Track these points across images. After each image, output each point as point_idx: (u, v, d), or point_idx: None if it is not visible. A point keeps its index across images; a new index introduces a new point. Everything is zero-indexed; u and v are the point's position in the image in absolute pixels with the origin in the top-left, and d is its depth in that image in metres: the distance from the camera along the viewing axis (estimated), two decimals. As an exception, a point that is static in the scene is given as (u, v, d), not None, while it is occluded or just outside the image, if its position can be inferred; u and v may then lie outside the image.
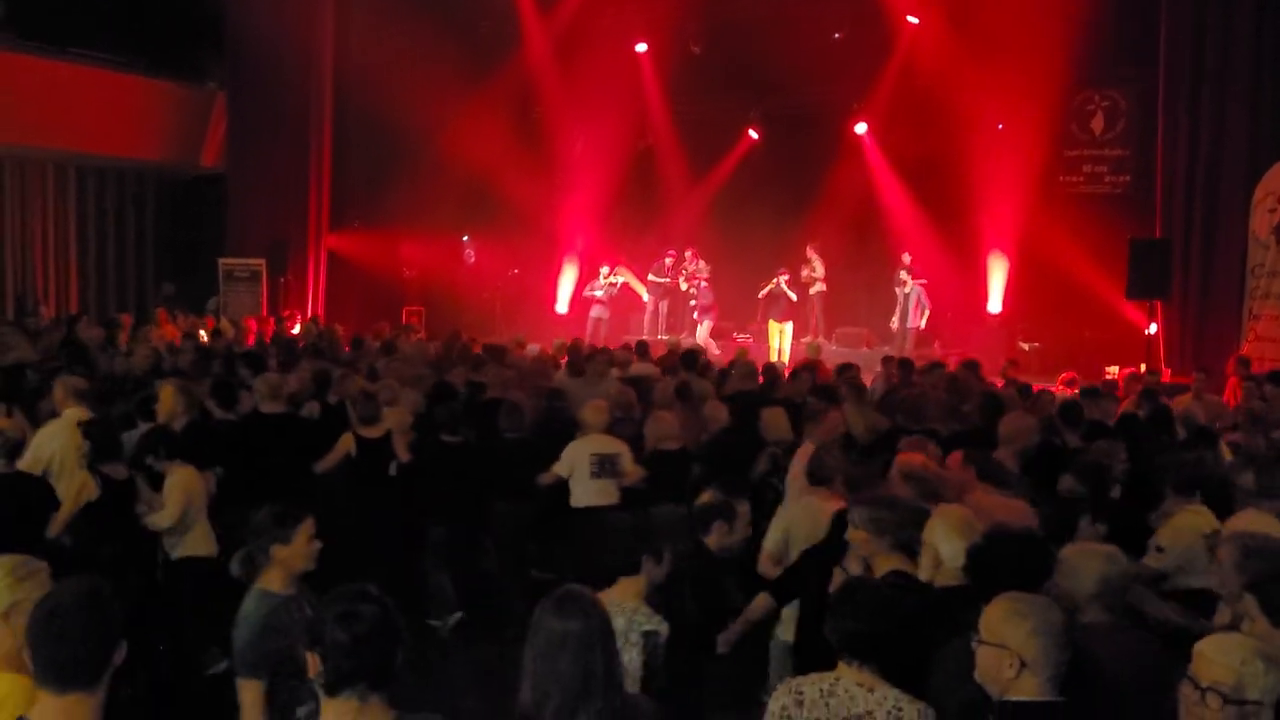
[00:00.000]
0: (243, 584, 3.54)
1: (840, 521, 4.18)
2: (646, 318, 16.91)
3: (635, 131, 17.43)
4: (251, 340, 12.73)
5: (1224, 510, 4.79)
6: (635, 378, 8.72)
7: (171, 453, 5.57)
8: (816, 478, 5.06)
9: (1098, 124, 14.74)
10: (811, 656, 3.13)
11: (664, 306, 16.83)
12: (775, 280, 15.33)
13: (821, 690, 2.92)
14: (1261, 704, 2.37)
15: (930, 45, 14.58)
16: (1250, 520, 4.23)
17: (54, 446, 5.62)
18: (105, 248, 18.78)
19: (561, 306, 18.24)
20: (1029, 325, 14.91)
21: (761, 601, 4.47)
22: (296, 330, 14.53)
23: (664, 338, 15.39)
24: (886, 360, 10.34)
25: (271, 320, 15.35)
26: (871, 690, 2.88)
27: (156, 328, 13.09)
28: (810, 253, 15.71)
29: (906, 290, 15.00)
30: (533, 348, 12.19)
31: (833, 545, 4.22)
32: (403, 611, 2.43)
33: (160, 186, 19.51)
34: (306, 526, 3.50)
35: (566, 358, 10.14)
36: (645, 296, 17.11)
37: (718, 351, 14.48)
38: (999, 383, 9.31)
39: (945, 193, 14.74)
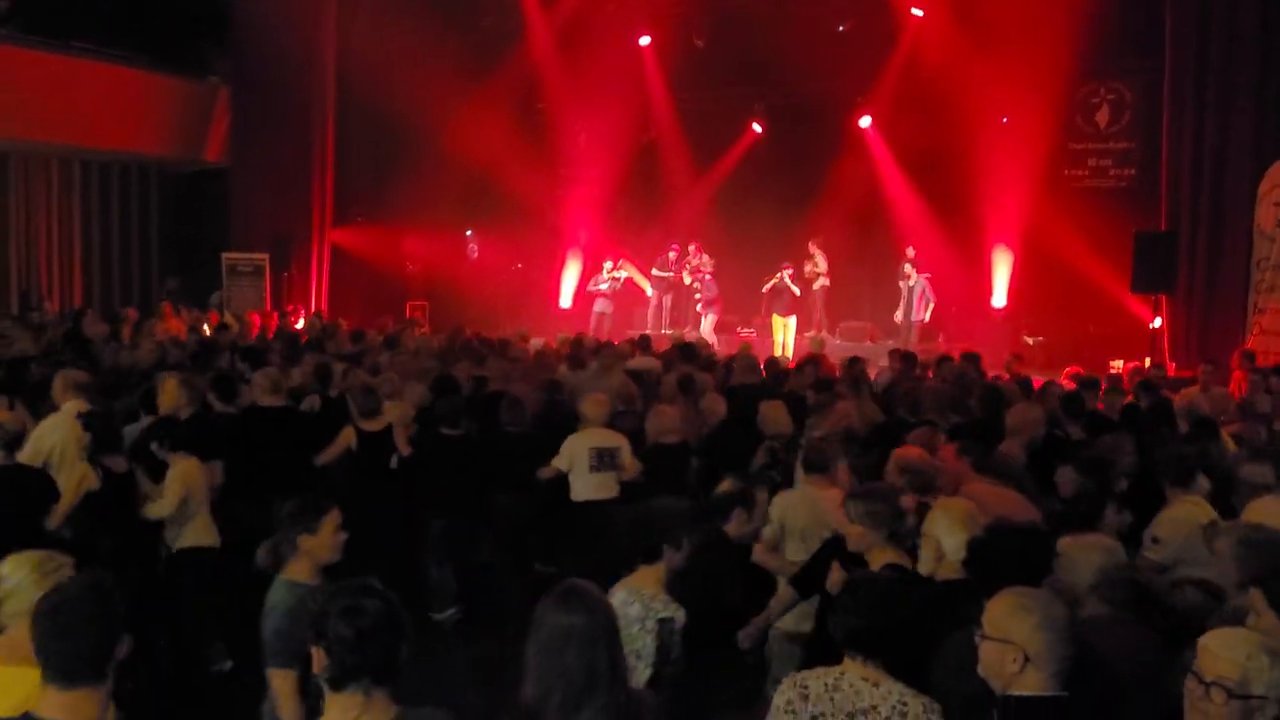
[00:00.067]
0: (243, 576, 3.54)
1: None
2: (650, 312, 16.91)
3: (639, 125, 17.39)
4: (255, 335, 12.75)
5: (1226, 502, 4.78)
6: (636, 371, 8.72)
7: (175, 444, 5.60)
8: (813, 466, 5.05)
9: (1103, 117, 14.70)
10: (830, 648, 3.11)
11: (668, 301, 16.83)
12: (779, 275, 15.31)
13: (826, 684, 2.92)
14: (1266, 699, 2.35)
15: (935, 38, 14.54)
16: (1267, 508, 4.18)
17: (54, 439, 5.63)
18: (109, 242, 18.80)
19: (565, 301, 18.24)
20: (1033, 319, 14.89)
21: (785, 594, 4.46)
22: (300, 325, 14.54)
23: (668, 332, 15.37)
24: (893, 354, 10.34)
25: (275, 315, 15.36)
26: (877, 685, 2.88)
27: (161, 321, 13.11)
28: (813, 248, 15.69)
29: (911, 284, 14.99)
30: (536, 342, 12.19)
31: None
32: (404, 605, 2.43)
33: (164, 181, 19.52)
34: (333, 517, 3.53)
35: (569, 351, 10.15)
36: (649, 291, 17.11)
37: (719, 345, 14.46)
38: (1004, 376, 9.31)
39: (949, 186, 14.70)
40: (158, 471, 5.61)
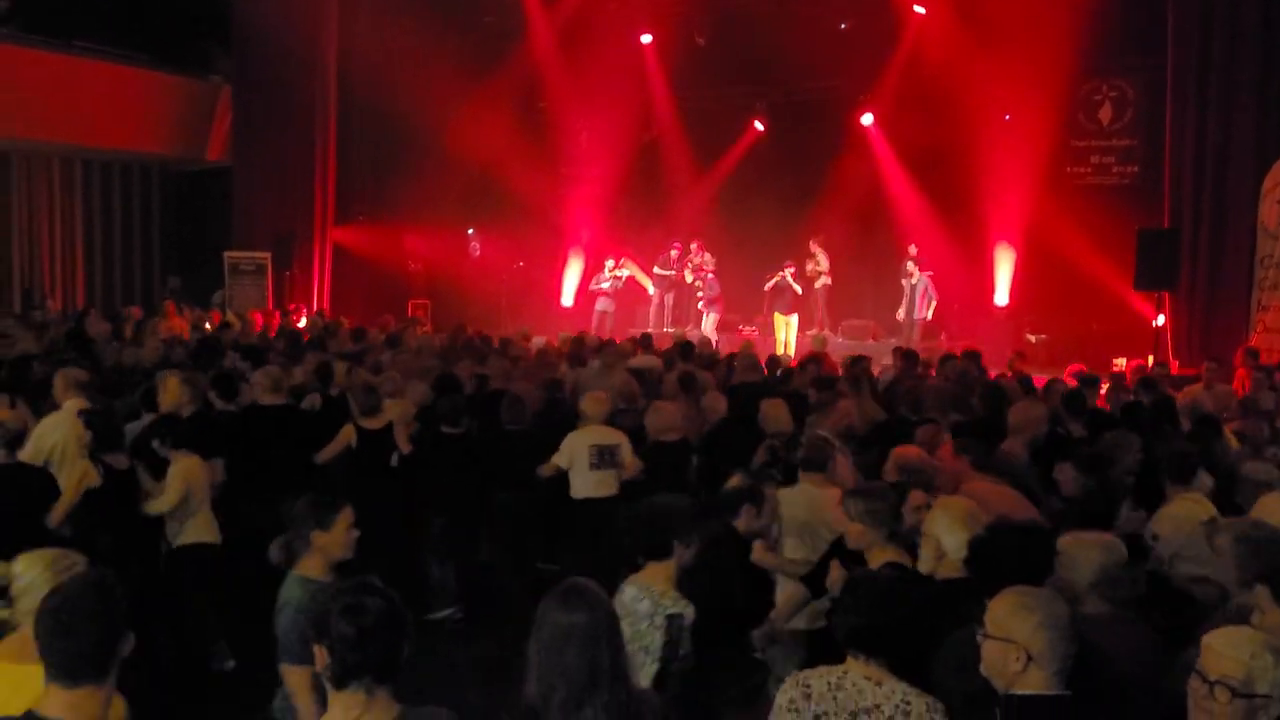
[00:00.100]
0: (245, 573, 3.55)
1: None
2: (652, 310, 16.90)
3: (640, 123, 17.38)
4: (257, 334, 12.76)
5: (1229, 499, 4.77)
6: (638, 369, 8.72)
7: (178, 442, 5.62)
8: (810, 464, 5.05)
9: (1105, 114, 14.67)
10: (832, 646, 3.11)
11: (669, 299, 16.82)
12: (781, 273, 15.30)
13: (829, 683, 2.91)
14: (1270, 698, 2.35)
15: (936, 35, 14.51)
16: (1276, 505, 4.16)
17: (55, 437, 5.65)
18: (111, 241, 18.83)
19: (567, 299, 18.23)
20: (1036, 317, 14.86)
21: (797, 593, 4.45)
22: (302, 324, 14.55)
23: (669, 330, 15.37)
24: (896, 352, 10.33)
25: (277, 314, 15.37)
26: (879, 684, 2.87)
27: (165, 320, 13.13)
28: (814, 247, 15.67)
29: (913, 282, 14.97)
30: (538, 340, 12.19)
31: None
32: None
33: (166, 180, 19.56)
34: (346, 514, 3.54)
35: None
36: (651, 289, 17.09)
37: (721, 344, 14.45)
38: (1007, 374, 9.29)
39: (952, 184, 14.68)
40: (159, 469, 5.62)
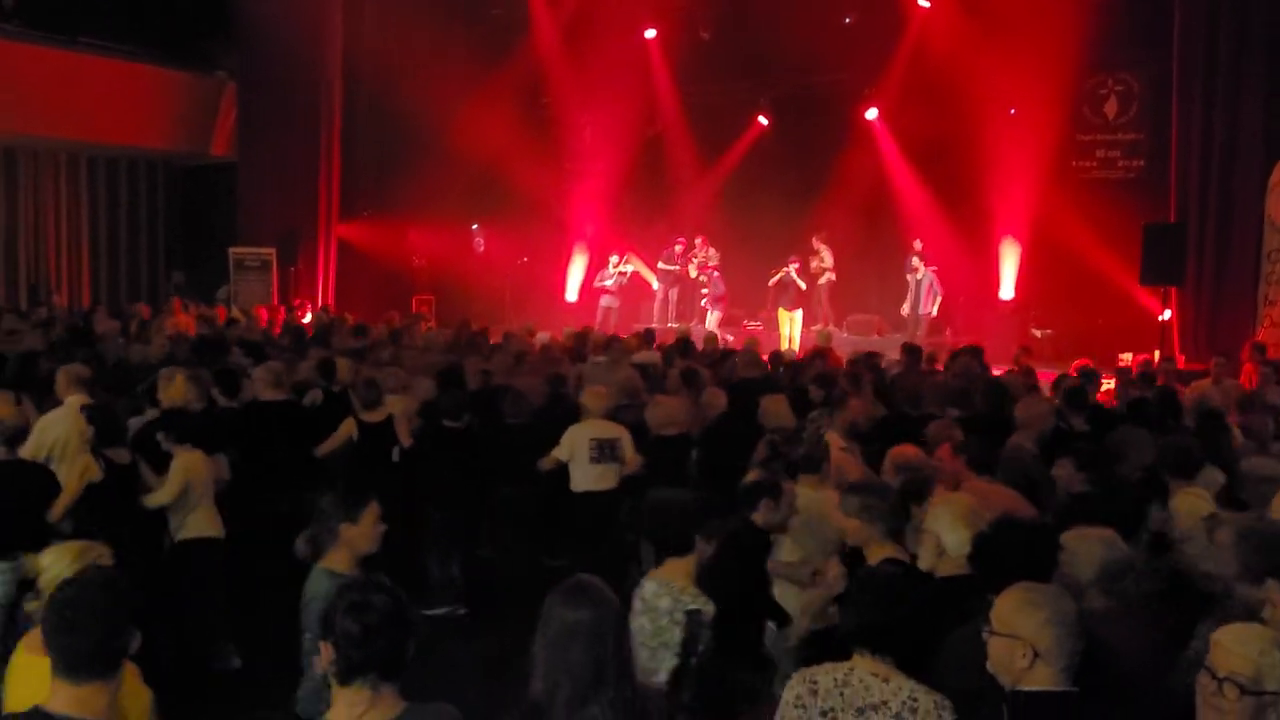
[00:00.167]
0: (246, 570, 3.54)
1: None
2: (656, 306, 16.89)
3: (644, 118, 17.35)
4: (262, 329, 12.77)
5: (1236, 494, 4.75)
6: (643, 365, 8.72)
7: (181, 437, 5.62)
8: (806, 466, 5.04)
9: (1111, 108, 14.61)
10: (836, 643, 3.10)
11: (674, 294, 16.80)
12: (785, 268, 15.27)
13: (836, 680, 2.89)
14: None
15: (941, 29, 14.47)
16: None
17: (57, 432, 5.66)
18: (116, 237, 18.86)
19: (571, 295, 18.23)
20: (1041, 312, 14.82)
21: (814, 599, 4.42)
22: (307, 319, 14.56)
23: (674, 326, 15.36)
24: (904, 348, 10.29)
25: (282, 309, 15.38)
26: (886, 680, 2.86)
27: (171, 316, 13.14)
28: (817, 243, 15.63)
29: (918, 277, 14.93)
30: (542, 336, 12.19)
31: None
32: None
33: (171, 176, 19.58)
34: (374, 508, 3.55)
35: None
36: (655, 285, 17.08)
37: (730, 338, 14.44)
38: (1015, 369, 9.26)
39: (957, 178, 14.64)
40: (161, 464, 5.63)
